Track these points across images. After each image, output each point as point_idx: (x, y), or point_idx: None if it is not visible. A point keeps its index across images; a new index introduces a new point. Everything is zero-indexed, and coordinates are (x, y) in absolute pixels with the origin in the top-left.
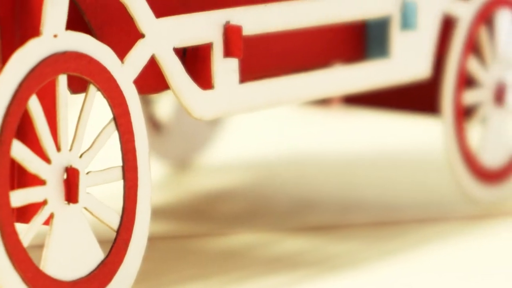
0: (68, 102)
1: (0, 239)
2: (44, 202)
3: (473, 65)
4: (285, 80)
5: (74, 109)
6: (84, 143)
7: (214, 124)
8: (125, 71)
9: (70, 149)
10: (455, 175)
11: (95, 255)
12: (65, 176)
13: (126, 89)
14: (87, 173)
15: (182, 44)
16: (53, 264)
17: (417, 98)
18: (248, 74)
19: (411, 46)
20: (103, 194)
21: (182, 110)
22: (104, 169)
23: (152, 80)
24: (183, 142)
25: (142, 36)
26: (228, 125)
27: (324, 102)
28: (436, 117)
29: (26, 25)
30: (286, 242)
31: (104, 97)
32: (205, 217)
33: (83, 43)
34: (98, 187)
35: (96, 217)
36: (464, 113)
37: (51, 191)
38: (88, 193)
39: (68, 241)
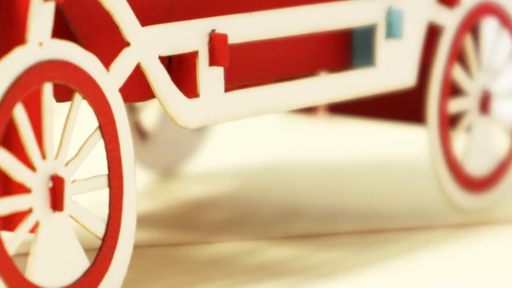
0: (54, 110)
1: None
2: (30, 210)
3: (458, 74)
4: (270, 89)
5: (59, 117)
6: (69, 151)
7: (199, 132)
8: (111, 80)
9: (56, 157)
10: (440, 183)
11: (81, 263)
12: (50, 184)
13: (111, 97)
14: (73, 181)
15: (167, 52)
16: (38, 272)
17: (401, 107)
18: (233, 82)
19: (397, 54)
20: (88, 202)
21: (167, 118)
22: (89, 177)
23: (137, 88)
24: (169, 151)
25: (127, 44)
26: (214, 133)
27: (309, 110)
28: (420, 126)
29: (12, 33)
30: (271, 250)
31: (90, 105)
32: (191, 225)
33: (69, 52)
34: (84, 195)
35: (82, 225)
36: (449, 122)
37: (36, 199)
38: (73, 201)
39: (53, 249)
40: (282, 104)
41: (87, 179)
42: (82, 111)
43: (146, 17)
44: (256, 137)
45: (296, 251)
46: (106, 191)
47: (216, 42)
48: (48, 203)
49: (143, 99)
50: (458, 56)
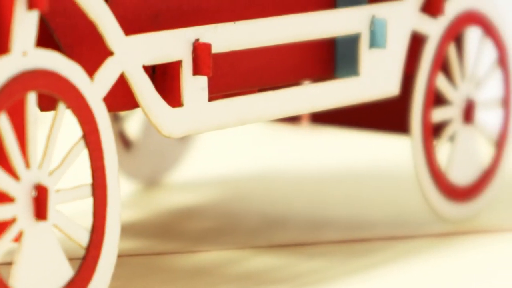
0: (38, 119)
1: None
2: (14, 220)
3: (442, 83)
4: (254, 98)
5: (43, 126)
6: (53, 161)
7: (183, 141)
8: (95, 89)
9: (40, 167)
10: (423, 192)
11: (64, 272)
12: (34, 194)
13: (95, 106)
14: (57, 190)
15: (151, 62)
16: (22, 281)
17: (384, 117)
18: (217, 91)
19: (380, 64)
20: (72, 211)
21: (151, 127)
22: (73, 187)
23: (121, 97)
24: (153, 160)
25: (111, 54)
26: (197, 142)
27: (293, 119)
28: (404, 136)
29: None
30: (255, 259)
31: (74, 114)
32: (175, 234)
33: (53, 61)
34: (68, 204)
35: (65, 234)
36: (433, 131)
37: (20, 209)
38: (57, 210)
39: (37, 258)
40: (266, 113)
41: (71, 188)
42: (67, 120)
43: (131, 26)
44: (240, 146)
45: (280, 260)
46: (90, 200)
47: (199, 51)
48: (32, 212)
49: (127, 108)
50: (442, 65)
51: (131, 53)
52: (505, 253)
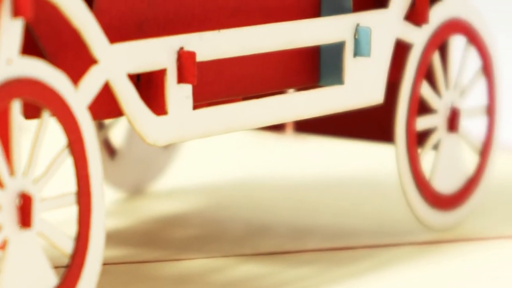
0: (22, 127)
1: None
2: None
3: (426, 91)
4: (238, 106)
5: (28, 134)
6: (38, 169)
7: (168, 150)
8: (79, 97)
9: (24, 174)
10: (408, 201)
11: (49, 281)
12: (18, 201)
13: (80, 115)
14: (41, 198)
15: (136, 70)
16: None
17: (368, 125)
18: (202, 100)
19: (365, 72)
20: (57, 219)
21: (136, 136)
22: (58, 195)
23: (106, 105)
24: (138, 168)
25: (95, 62)
26: (182, 150)
27: (277, 127)
28: (388, 145)
29: None
30: (240, 267)
31: (58, 123)
32: (159, 242)
33: (37, 69)
34: (52, 212)
35: (50, 243)
36: (417, 139)
37: (5, 216)
38: (42, 218)
39: (21, 266)
40: (251, 122)
41: (55, 196)
42: (52, 128)
43: (115, 34)
44: (224, 154)
45: (265, 268)
46: (74, 209)
47: (184, 59)
48: (16, 220)
49: (111, 116)
50: (426, 73)
51: (116, 61)
52: (489, 261)
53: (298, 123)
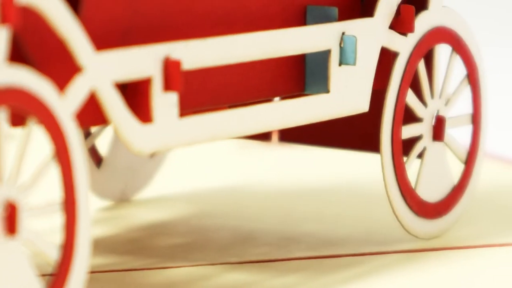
0: (8, 135)
1: None
2: None
3: (411, 100)
4: (224, 114)
5: (13, 142)
6: (24, 177)
7: (154, 158)
8: (65, 105)
9: (10, 182)
10: (393, 209)
11: None
12: (4, 209)
13: (65, 123)
14: (27, 206)
15: (121, 78)
16: None
17: (352, 135)
18: (188, 108)
19: (350, 80)
20: (42, 227)
21: (122, 144)
22: (43, 203)
23: (92, 113)
24: (124, 177)
25: (81, 70)
26: (167, 158)
27: (263, 135)
28: (373, 153)
29: None
30: (226, 275)
31: (44, 131)
32: (145, 250)
33: (23, 77)
34: (38, 220)
35: (35, 251)
36: (403, 148)
37: None
38: (27, 226)
39: (7, 274)
40: (237, 130)
41: (41, 204)
42: (38, 136)
43: (101, 42)
44: (210, 162)
45: (251, 276)
46: (60, 217)
47: (170, 67)
48: (2, 229)
49: (97, 124)
50: (412, 82)
51: (101, 69)
52: (475, 269)
53: (282, 133)
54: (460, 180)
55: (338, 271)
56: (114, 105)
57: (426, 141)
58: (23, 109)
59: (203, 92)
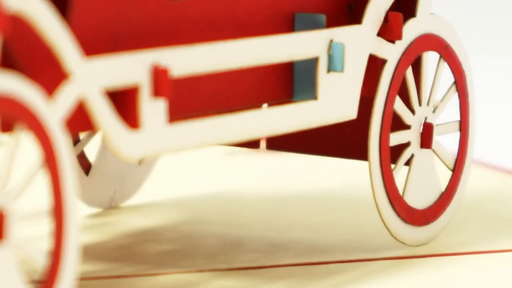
0: None
1: None
2: None
3: (399, 107)
4: (213, 121)
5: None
6: (12, 183)
7: (143, 165)
8: (53, 112)
9: None
10: (381, 216)
11: None
12: None
13: (54, 129)
14: (15, 213)
15: (109, 84)
16: None
17: (340, 142)
18: (176, 114)
19: (338, 87)
20: (31, 234)
21: (110, 151)
22: (32, 210)
23: (80, 120)
24: (113, 184)
25: (69, 76)
26: (155, 165)
27: (251, 142)
28: (360, 161)
29: None
30: (214, 282)
31: (33, 137)
32: (133, 257)
33: (12, 83)
34: (26, 227)
35: (24, 258)
36: (390, 155)
37: None
38: (16, 233)
39: None
40: (225, 136)
41: (29, 211)
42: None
43: (89, 48)
44: (198, 169)
45: (239, 283)
46: (48, 223)
47: (158, 74)
48: None
49: (86, 130)
50: (400, 89)
51: (90, 76)
52: (462, 276)
53: (270, 141)
54: (448, 187)
55: (326, 278)
56: (102, 112)
57: (414, 148)
58: (12, 115)
59: (191, 99)
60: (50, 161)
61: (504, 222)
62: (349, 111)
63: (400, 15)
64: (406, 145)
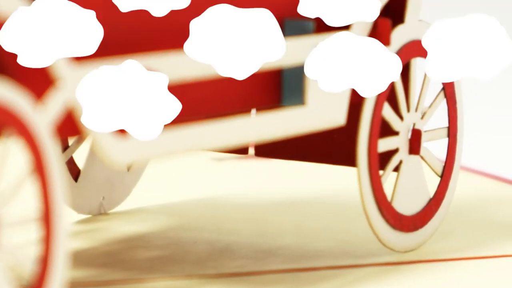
0: None
1: None
2: None
3: (388, 113)
4: (201, 127)
5: None
6: (0, 189)
7: (132, 172)
8: (42, 117)
9: None
10: (370, 222)
11: None
12: None
13: (42, 135)
14: (4, 219)
15: None
16: None
17: (328, 149)
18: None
19: (326, 94)
20: (20, 240)
21: (98, 157)
22: (22, 216)
23: (69, 125)
24: (101, 190)
25: (58, 82)
26: (144, 171)
27: (240, 147)
28: (348, 167)
29: None
30: None
31: (21, 143)
32: (122, 263)
33: (0, 89)
34: (15, 233)
35: (13, 265)
36: (379, 161)
37: None
38: (5, 239)
39: None
40: (214, 142)
41: (19, 218)
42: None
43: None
44: (186, 175)
45: None
46: (37, 229)
47: None
48: None
49: (74, 135)
50: (388, 95)
51: (78, 82)
52: (451, 282)
53: (258, 148)
54: (436, 193)
55: (314, 284)
56: None
57: (402, 154)
58: (0, 121)
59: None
60: (39, 167)
61: (493, 228)
62: (337, 117)
63: (389, 21)
64: (395, 151)
